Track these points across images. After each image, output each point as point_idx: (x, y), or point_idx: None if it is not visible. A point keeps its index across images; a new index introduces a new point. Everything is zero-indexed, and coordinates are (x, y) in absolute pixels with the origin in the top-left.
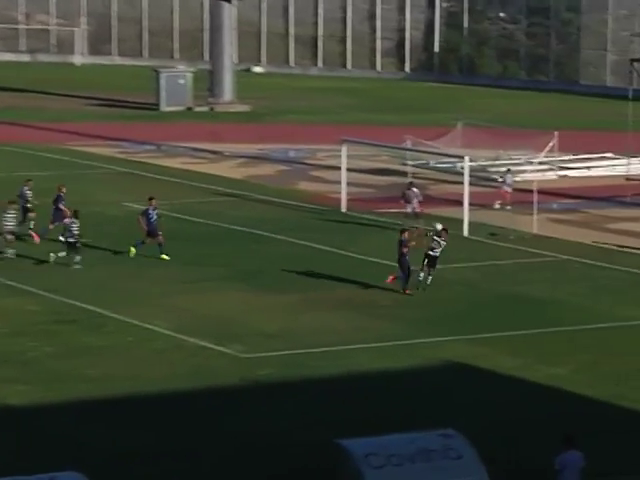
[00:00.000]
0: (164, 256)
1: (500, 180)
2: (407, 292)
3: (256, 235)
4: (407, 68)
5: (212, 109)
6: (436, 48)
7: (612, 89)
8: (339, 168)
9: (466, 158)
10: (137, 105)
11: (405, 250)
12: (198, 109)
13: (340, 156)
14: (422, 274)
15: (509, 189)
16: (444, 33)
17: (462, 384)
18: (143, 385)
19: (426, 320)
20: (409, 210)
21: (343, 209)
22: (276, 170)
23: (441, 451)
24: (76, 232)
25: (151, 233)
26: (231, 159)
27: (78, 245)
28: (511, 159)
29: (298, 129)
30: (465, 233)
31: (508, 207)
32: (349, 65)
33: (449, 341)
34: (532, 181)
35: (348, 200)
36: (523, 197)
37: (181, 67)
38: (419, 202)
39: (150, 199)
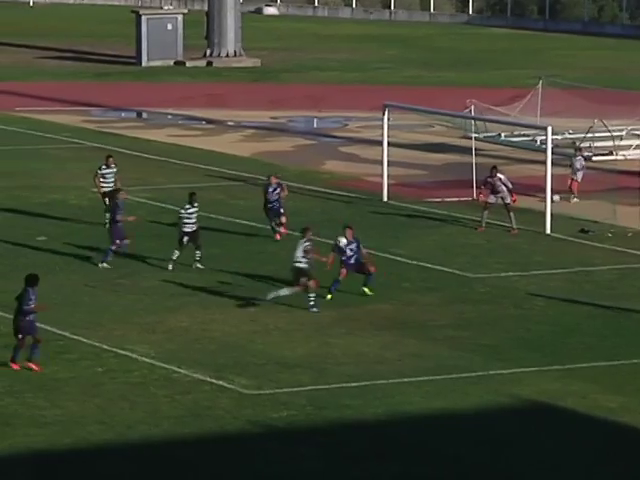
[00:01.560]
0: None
1: (570, 163)
2: None
3: (269, 232)
4: (470, 9)
5: (210, 64)
6: None
7: None
8: (379, 143)
9: (549, 129)
10: (111, 59)
11: None
12: (191, 64)
13: (381, 127)
14: None
15: (578, 176)
16: None
17: (548, 430)
18: (118, 431)
19: (498, 345)
20: (492, 200)
21: (384, 197)
22: (295, 145)
23: None
24: None
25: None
26: (236, 131)
27: None
28: (610, 131)
29: (325, 91)
30: (547, 230)
31: (575, 199)
32: (393, 4)
33: (529, 373)
34: (637, 160)
35: (391, 185)
36: (626, 181)
37: (169, 7)
38: (510, 191)
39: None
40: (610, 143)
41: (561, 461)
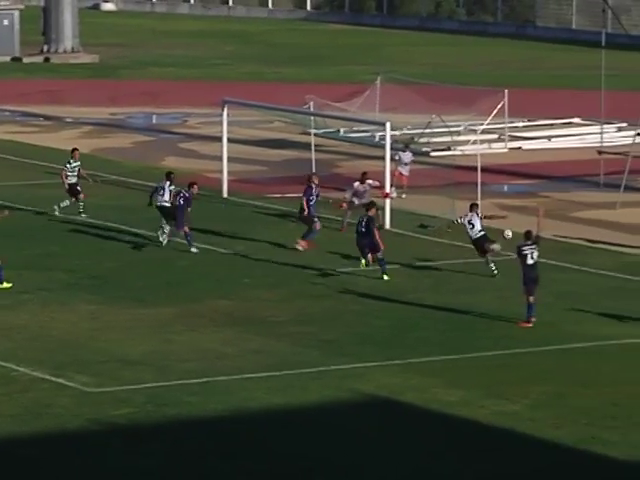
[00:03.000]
0: None
1: (396, 158)
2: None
3: (109, 229)
4: (308, 5)
5: (48, 60)
6: None
7: (579, 33)
8: (219, 139)
9: (387, 125)
10: None
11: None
12: (29, 60)
13: (220, 123)
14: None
15: (405, 170)
16: None
17: (387, 425)
18: None
19: (339, 340)
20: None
21: (224, 194)
22: (134, 142)
23: None
24: None
25: None
26: (74, 127)
27: None
28: (447, 126)
29: (163, 87)
30: (387, 225)
31: (403, 195)
32: (231, 0)
33: (370, 368)
34: (474, 155)
35: (230, 182)
36: (464, 176)
37: (5, 2)
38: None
39: None
40: (448, 138)
41: (401, 455)
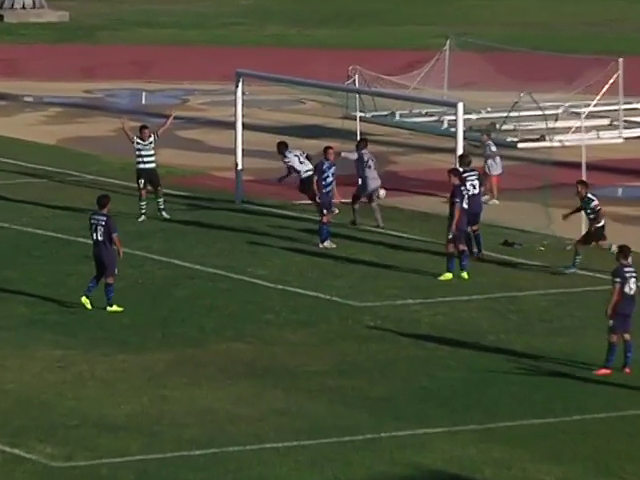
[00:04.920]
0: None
1: (488, 151)
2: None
3: (82, 247)
4: None
5: (1, 18)
6: None
7: None
8: (231, 125)
9: (459, 107)
10: None
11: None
12: None
13: (232, 103)
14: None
15: (495, 170)
16: None
17: None
18: None
19: (393, 398)
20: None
21: (238, 198)
22: (117, 129)
23: None
24: None
25: None
26: (36, 109)
27: None
28: (540, 109)
29: (156, 54)
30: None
31: (493, 200)
32: None
33: (435, 436)
34: (578, 147)
35: (247, 183)
36: (564, 176)
37: None
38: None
39: None
40: (542, 125)
41: None
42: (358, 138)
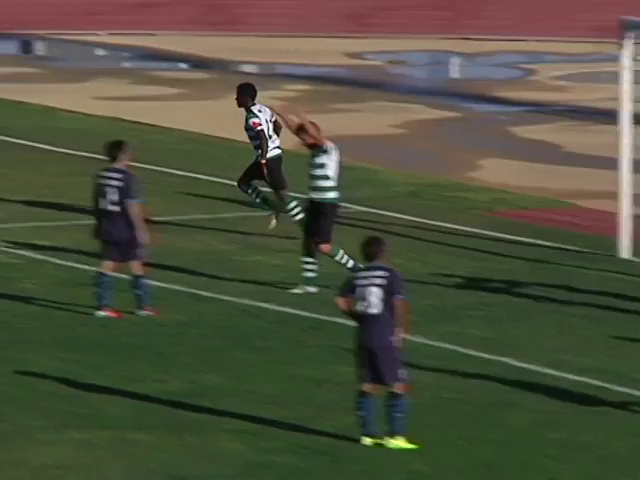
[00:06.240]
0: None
1: None
2: None
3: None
4: None
5: None
6: None
7: None
8: (611, 115)
9: None
10: None
11: None
12: None
13: (616, 77)
14: None
15: None
16: None
17: None
18: None
19: None
20: None
21: (623, 252)
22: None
23: None
24: None
25: None
26: (265, 86)
27: None
28: None
29: None
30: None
31: None
32: None
33: None
34: None
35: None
36: None
37: None
38: None
39: None
40: None
41: None
42: None
